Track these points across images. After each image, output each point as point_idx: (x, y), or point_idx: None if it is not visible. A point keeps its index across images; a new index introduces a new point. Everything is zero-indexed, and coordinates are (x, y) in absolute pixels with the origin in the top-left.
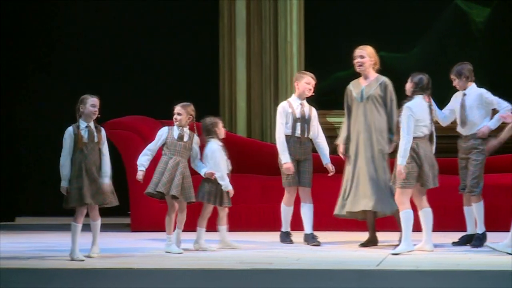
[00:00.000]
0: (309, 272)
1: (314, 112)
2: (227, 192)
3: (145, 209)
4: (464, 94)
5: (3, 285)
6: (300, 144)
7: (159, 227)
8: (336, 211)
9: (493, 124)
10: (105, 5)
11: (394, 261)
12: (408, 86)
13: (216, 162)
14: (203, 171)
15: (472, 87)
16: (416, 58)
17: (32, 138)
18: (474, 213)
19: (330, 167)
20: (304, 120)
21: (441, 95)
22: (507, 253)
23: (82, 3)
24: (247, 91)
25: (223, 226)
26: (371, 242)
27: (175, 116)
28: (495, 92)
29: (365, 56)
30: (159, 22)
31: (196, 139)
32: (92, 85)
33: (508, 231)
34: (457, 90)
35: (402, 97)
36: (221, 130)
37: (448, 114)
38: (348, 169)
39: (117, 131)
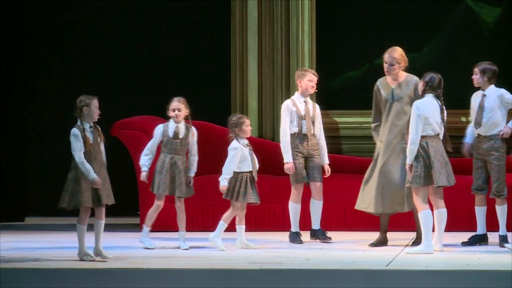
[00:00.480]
0: (319, 272)
1: (318, 109)
2: (253, 188)
3: None
4: (484, 95)
5: (14, 285)
6: (307, 141)
7: (168, 227)
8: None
9: None
10: (113, 4)
11: (403, 261)
12: (420, 85)
13: (228, 160)
14: (191, 172)
15: (491, 88)
16: (425, 58)
17: (41, 138)
18: (498, 215)
19: (326, 168)
20: (309, 117)
21: (450, 95)
22: None
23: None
24: (258, 91)
25: (241, 226)
26: (381, 242)
27: (175, 113)
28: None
29: (395, 64)
30: (170, 22)
31: (191, 132)
32: (96, 85)
33: None
34: (469, 87)
35: None
36: (246, 129)
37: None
38: (372, 167)
39: (127, 131)
